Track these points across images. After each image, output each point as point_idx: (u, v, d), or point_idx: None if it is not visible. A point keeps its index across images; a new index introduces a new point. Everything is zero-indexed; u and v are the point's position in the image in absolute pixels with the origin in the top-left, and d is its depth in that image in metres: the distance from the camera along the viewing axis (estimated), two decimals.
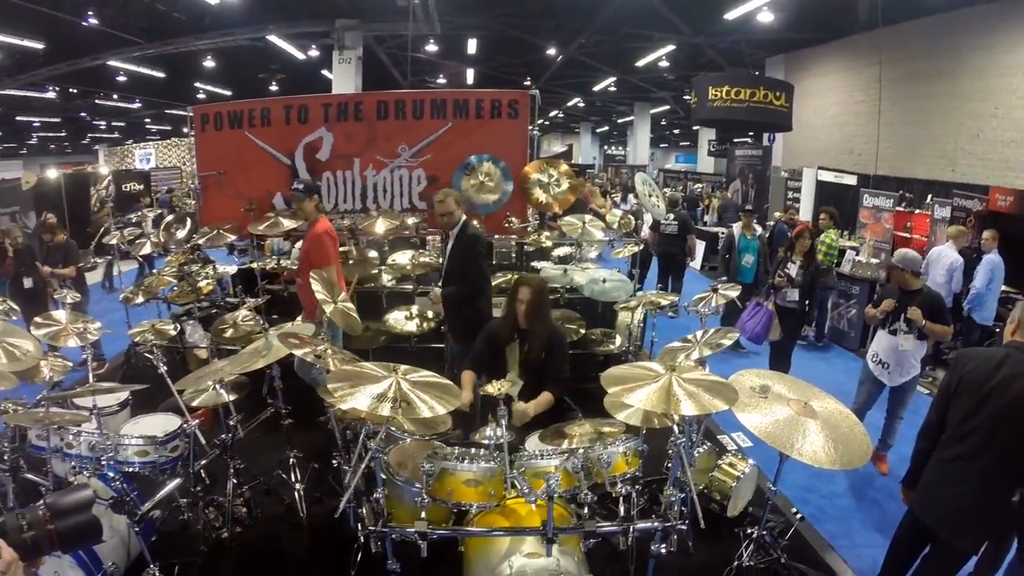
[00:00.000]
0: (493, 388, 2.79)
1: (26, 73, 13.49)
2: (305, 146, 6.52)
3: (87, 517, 1.59)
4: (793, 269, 6.11)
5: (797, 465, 3.46)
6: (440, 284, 5.16)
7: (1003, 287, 7.18)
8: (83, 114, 23.49)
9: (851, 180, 11.58)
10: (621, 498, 3.06)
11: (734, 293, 4.85)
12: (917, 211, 8.32)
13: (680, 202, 10.58)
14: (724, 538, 4.04)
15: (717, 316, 5.83)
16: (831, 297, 8.42)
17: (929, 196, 9.05)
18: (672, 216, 9.06)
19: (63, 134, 27.73)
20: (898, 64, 10.88)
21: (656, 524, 3.03)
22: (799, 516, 4.36)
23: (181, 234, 6.82)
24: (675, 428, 3.05)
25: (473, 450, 3.10)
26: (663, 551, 3.11)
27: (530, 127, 6.49)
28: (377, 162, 6.55)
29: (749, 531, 3.86)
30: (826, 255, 7.94)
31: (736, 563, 3.71)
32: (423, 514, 2.88)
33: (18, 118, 22.07)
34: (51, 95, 17.88)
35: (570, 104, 25.06)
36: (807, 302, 6.19)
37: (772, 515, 3.90)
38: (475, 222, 5.44)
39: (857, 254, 8.59)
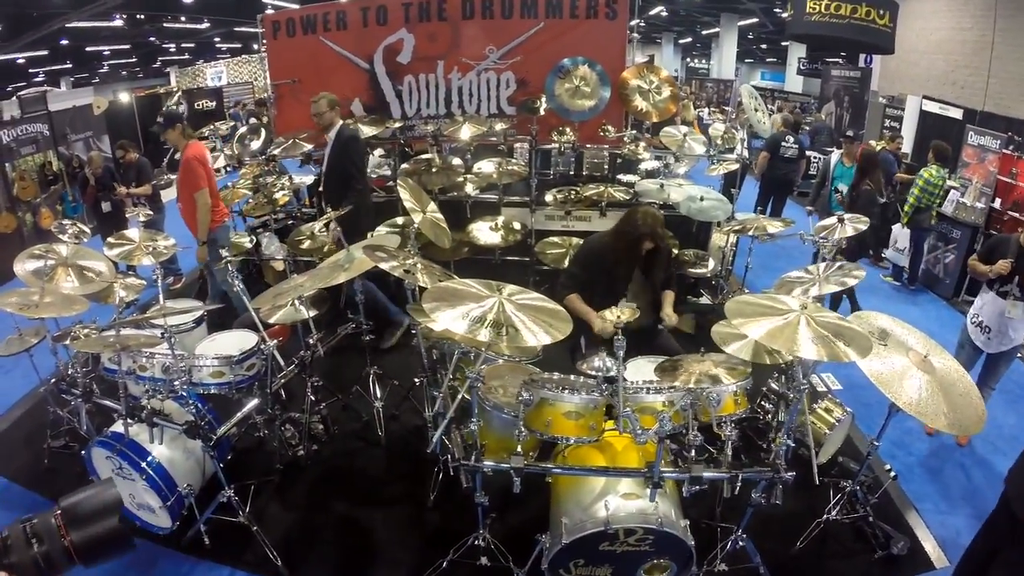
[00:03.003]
0: (612, 316, 2.51)
1: (93, 3, 13.38)
2: (385, 49, 6.19)
3: (111, 524, 1.30)
4: None
5: (883, 417, 3.31)
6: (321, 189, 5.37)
7: None
8: (152, 39, 23.51)
9: (956, 114, 10.65)
10: (729, 441, 2.80)
11: (863, 226, 4.36)
12: None
13: (800, 125, 9.93)
14: (810, 487, 3.77)
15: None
16: (928, 239, 7.77)
17: None
18: (792, 139, 8.50)
19: (133, 60, 27.84)
20: None
21: (766, 473, 2.78)
22: (892, 474, 4.05)
23: (255, 145, 6.67)
24: (798, 372, 2.74)
25: (573, 378, 2.88)
26: (763, 501, 2.90)
27: (632, 24, 5.99)
28: (462, 64, 6.20)
29: (842, 484, 3.66)
30: (923, 192, 7.25)
31: (825, 517, 3.52)
32: (519, 447, 2.69)
33: (87, 48, 22.21)
34: (118, 23, 17.81)
35: (652, 12, 23.82)
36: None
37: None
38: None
39: (962, 195, 7.86)
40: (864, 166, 6.60)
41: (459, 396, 2.76)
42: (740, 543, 3.12)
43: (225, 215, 5.73)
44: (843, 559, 3.51)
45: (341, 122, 5.22)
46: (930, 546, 3.66)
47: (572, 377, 2.90)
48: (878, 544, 3.51)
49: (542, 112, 5.75)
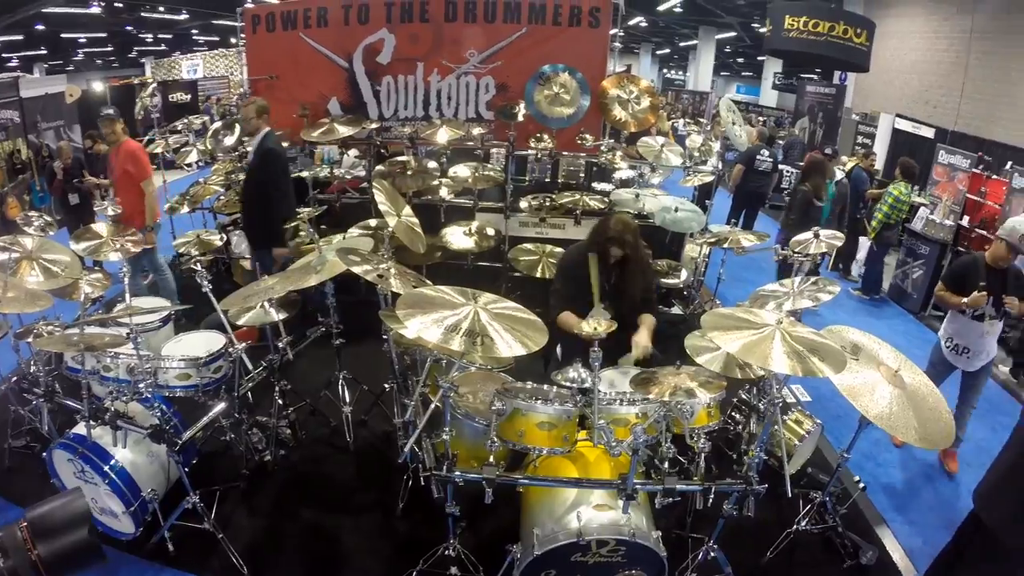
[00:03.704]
0: (589, 327, 2.49)
1: None
2: (365, 48, 6.14)
3: (80, 536, 1.24)
4: None
5: (851, 429, 3.33)
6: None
7: None
8: (129, 28, 23.12)
9: (928, 133, 10.88)
10: (702, 453, 2.80)
11: (838, 242, 4.40)
12: (994, 176, 7.67)
13: (774, 139, 10.06)
14: (779, 497, 3.79)
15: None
16: (895, 254, 7.90)
17: (1009, 163, 8.34)
18: (767, 153, 8.63)
19: (109, 49, 27.38)
20: (993, 17, 10.07)
21: (739, 485, 2.79)
22: (861, 486, 4.08)
23: (229, 141, 6.54)
24: (772, 385, 2.74)
25: (546, 388, 2.86)
26: (735, 513, 2.90)
27: (612, 33, 6.01)
28: (443, 67, 6.17)
29: (812, 495, 3.68)
30: (892, 208, 7.37)
31: (795, 527, 3.54)
32: (491, 457, 2.65)
33: (63, 35, 21.72)
34: (96, 10, 17.45)
35: (632, 23, 23.99)
36: None
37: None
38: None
39: (931, 212, 8.01)
40: (806, 169, 6.84)
41: (431, 405, 2.71)
42: (712, 554, 3.12)
43: None
44: (812, 569, 3.54)
45: (267, 129, 5.07)
46: (898, 556, 3.71)
47: (545, 387, 2.87)
48: (847, 554, 3.54)
49: (520, 118, 5.75)
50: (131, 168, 5.55)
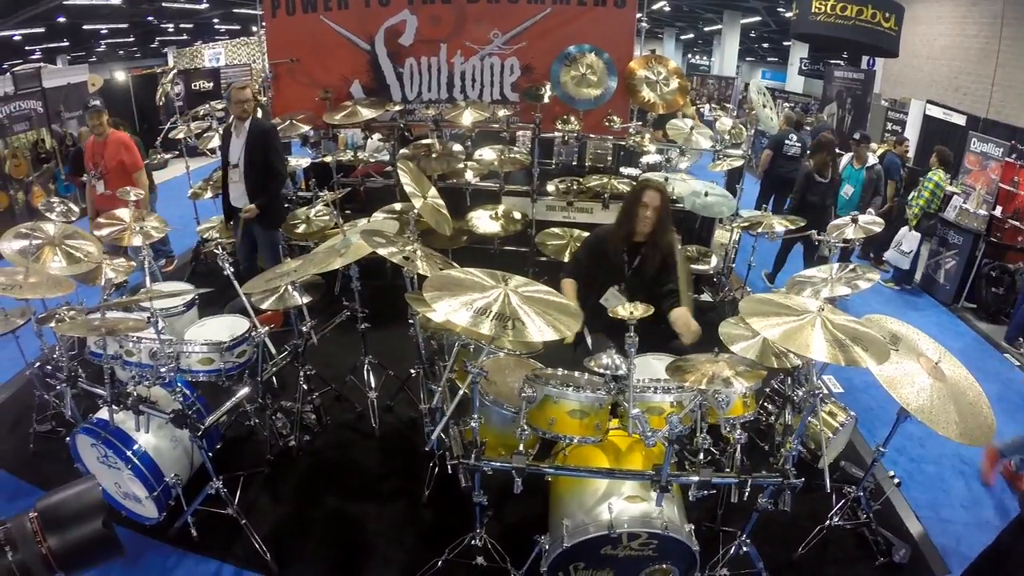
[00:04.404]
0: (624, 311, 2.40)
1: None
2: (386, 30, 6.05)
3: (94, 528, 1.15)
4: None
5: (886, 423, 3.20)
6: (240, 180, 5.18)
7: None
8: (150, 18, 23.26)
9: (960, 120, 10.60)
10: (739, 445, 2.71)
11: (877, 228, 4.25)
12: None
13: (802, 124, 9.85)
14: (812, 491, 3.69)
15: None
16: (928, 244, 7.69)
17: None
18: (795, 137, 8.43)
19: (131, 39, 27.63)
20: (1022, 3, 9.82)
21: (775, 479, 2.69)
22: (896, 481, 3.98)
23: None
24: (812, 375, 2.65)
25: (577, 375, 2.77)
26: (770, 507, 2.82)
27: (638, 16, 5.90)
28: (466, 48, 6.07)
29: (846, 490, 3.58)
30: (932, 196, 7.18)
31: (827, 522, 3.44)
32: (520, 446, 2.58)
33: (85, 27, 21.91)
34: (116, 1, 17.52)
35: (656, 7, 23.73)
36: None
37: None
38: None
39: (964, 201, 7.79)
40: (813, 146, 6.93)
41: (459, 391, 2.64)
42: (744, 548, 3.04)
43: None
44: (844, 566, 3.43)
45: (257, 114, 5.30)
46: (931, 554, 3.59)
47: (577, 374, 2.79)
48: (879, 551, 3.44)
49: (546, 100, 5.64)
50: (125, 158, 5.67)
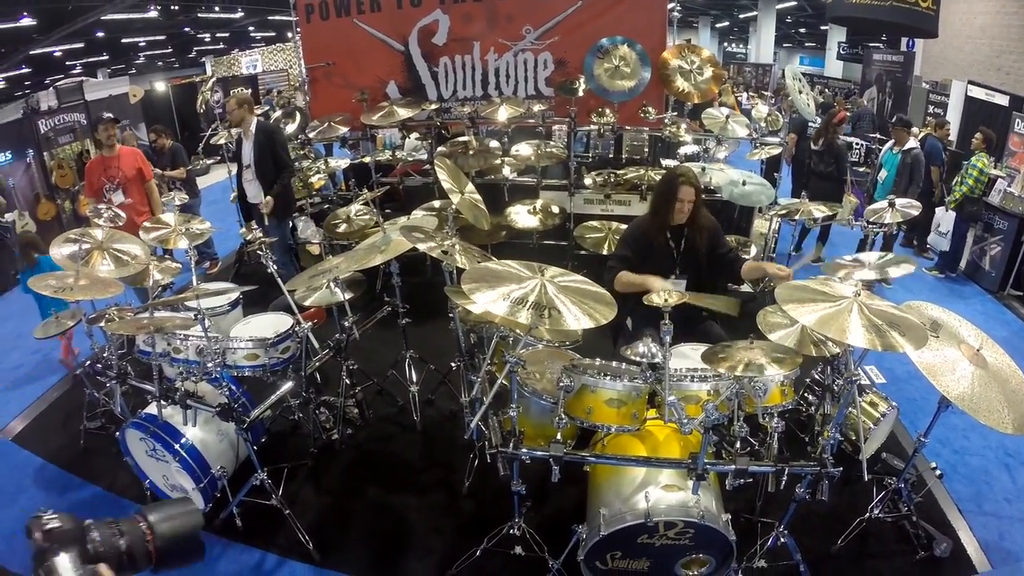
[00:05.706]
0: (659, 298, 2.42)
1: None
2: (420, 30, 6.13)
3: (193, 543, 1.28)
4: None
5: (929, 414, 3.11)
6: (253, 179, 5.64)
7: None
8: (187, 29, 23.74)
9: (1003, 100, 10.21)
10: (776, 434, 2.70)
11: (914, 211, 4.17)
12: None
13: (829, 107, 9.68)
14: (852, 483, 3.65)
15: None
16: (973, 230, 7.47)
17: None
18: (820, 121, 8.23)
19: (169, 50, 28.24)
20: None
21: (812, 468, 2.67)
22: (938, 474, 3.88)
23: (290, 129, 6.67)
24: (849, 362, 2.62)
25: (615, 364, 2.79)
26: (807, 497, 2.79)
27: (670, 6, 5.83)
28: (499, 45, 6.10)
29: (887, 481, 3.51)
30: (976, 182, 6.97)
31: (867, 515, 3.39)
32: (559, 435, 2.61)
33: (123, 40, 22.40)
34: (153, 14, 17.93)
35: None
36: None
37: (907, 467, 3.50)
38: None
39: (1009, 184, 7.53)
40: (826, 122, 7.07)
41: (497, 381, 2.68)
42: (781, 539, 3.02)
43: None
44: (884, 559, 3.37)
45: (255, 118, 5.61)
46: (972, 549, 3.49)
47: (614, 363, 2.80)
48: (920, 545, 3.37)
49: (581, 93, 5.64)
50: (144, 167, 5.83)
